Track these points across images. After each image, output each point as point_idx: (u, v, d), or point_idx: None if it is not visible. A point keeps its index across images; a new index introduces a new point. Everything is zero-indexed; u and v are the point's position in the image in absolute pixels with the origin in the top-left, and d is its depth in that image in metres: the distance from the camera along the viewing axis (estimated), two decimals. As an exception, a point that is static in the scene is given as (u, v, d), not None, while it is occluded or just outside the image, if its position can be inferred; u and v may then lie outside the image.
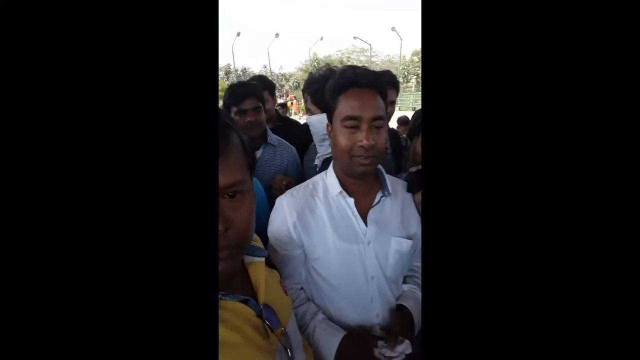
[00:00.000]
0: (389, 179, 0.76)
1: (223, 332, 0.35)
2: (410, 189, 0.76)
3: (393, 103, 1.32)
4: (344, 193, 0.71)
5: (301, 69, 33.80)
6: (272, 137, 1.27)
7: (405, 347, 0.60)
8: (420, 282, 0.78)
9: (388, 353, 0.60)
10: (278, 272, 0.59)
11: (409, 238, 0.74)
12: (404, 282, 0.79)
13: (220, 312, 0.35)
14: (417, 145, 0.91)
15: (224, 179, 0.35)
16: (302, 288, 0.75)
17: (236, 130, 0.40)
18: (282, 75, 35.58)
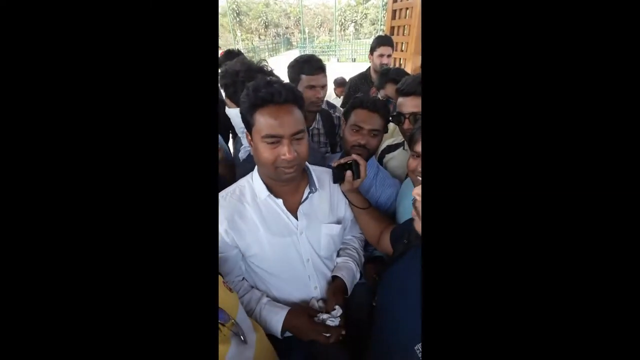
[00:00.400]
0: (314, 173, 0.83)
1: None
2: (336, 180, 0.85)
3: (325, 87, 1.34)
4: (272, 196, 0.76)
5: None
6: None
7: (337, 311, 0.75)
8: (351, 252, 0.93)
9: (325, 317, 0.74)
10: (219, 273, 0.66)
11: (338, 222, 0.85)
12: (338, 255, 0.92)
13: None
14: (347, 130, 0.98)
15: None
16: (243, 278, 0.83)
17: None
18: None
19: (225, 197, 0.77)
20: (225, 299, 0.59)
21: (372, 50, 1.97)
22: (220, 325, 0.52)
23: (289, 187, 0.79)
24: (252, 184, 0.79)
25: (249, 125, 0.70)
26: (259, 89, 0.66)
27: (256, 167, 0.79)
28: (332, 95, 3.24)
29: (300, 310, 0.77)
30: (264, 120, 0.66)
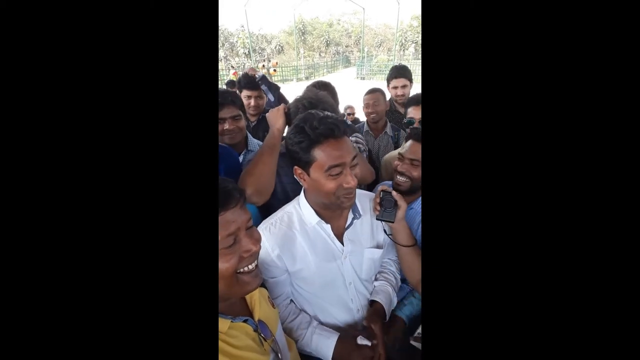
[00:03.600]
0: (357, 199, 0.82)
1: (233, 342, 0.52)
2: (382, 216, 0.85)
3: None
4: (322, 222, 0.80)
5: (285, 31, 31.44)
6: (253, 143, 1.27)
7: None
8: (388, 276, 0.94)
9: (365, 341, 0.78)
10: (267, 289, 0.75)
11: (378, 246, 0.88)
12: (376, 279, 0.94)
13: (230, 331, 0.53)
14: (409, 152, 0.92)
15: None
16: (291, 301, 0.86)
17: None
18: (262, 37, 32.47)
19: (275, 224, 0.81)
20: (269, 314, 0.65)
21: (388, 81, 1.87)
22: (261, 339, 0.57)
23: (335, 212, 0.81)
24: (300, 211, 0.82)
25: (303, 162, 0.73)
26: (317, 127, 0.70)
27: (302, 194, 0.82)
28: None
29: (349, 337, 0.79)
30: (325, 155, 0.70)
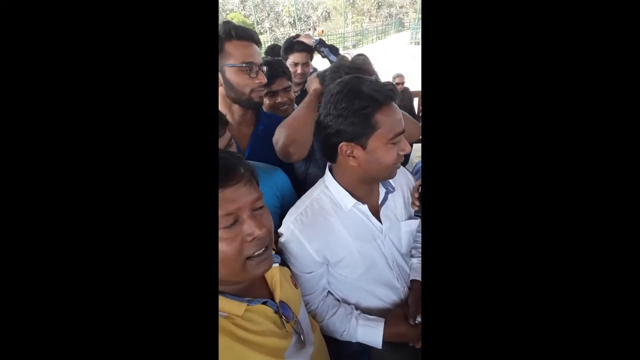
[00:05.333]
0: None
1: (250, 327, 0.47)
2: None
3: None
4: (358, 203, 0.71)
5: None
6: None
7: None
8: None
9: (419, 320, 0.74)
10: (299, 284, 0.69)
11: (411, 217, 0.81)
12: (411, 255, 0.86)
13: (248, 314, 0.48)
14: None
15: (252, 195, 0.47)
16: (328, 292, 0.79)
17: (243, 163, 0.48)
18: (308, 3, 30.66)
19: (306, 214, 0.71)
20: (292, 294, 0.60)
21: None
22: (284, 322, 0.53)
23: (368, 189, 0.73)
24: (331, 194, 0.73)
25: (360, 134, 0.63)
26: (378, 89, 0.61)
27: (328, 176, 0.73)
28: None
29: (394, 318, 0.75)
30: (389, 120, 0.62)
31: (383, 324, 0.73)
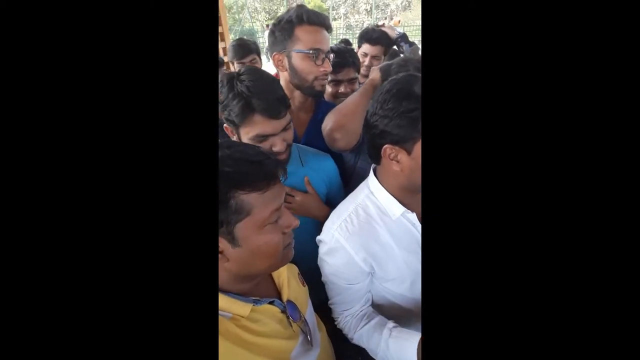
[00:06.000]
0: None
1: (256, 329, 0.47)
2: None
3: None
4: (407, 212, 0.66)
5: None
6: None
7: None
8: None
9: None
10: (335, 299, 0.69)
11: None
12: None
13: (253, 314, 0.48)
14: None
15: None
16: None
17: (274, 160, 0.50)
18: None
19: (351, 221, 0.66)
20: (299, 293, 0.59)
21: None
22: (291, 322, 0.53)
23: (415, 196, 0.66)
24: (377, 200, 0.68)
25: (409, 137, 0.58)
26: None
27: (373, 181, 0.68)
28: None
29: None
30: None
31: (419, 338, 0.62)
